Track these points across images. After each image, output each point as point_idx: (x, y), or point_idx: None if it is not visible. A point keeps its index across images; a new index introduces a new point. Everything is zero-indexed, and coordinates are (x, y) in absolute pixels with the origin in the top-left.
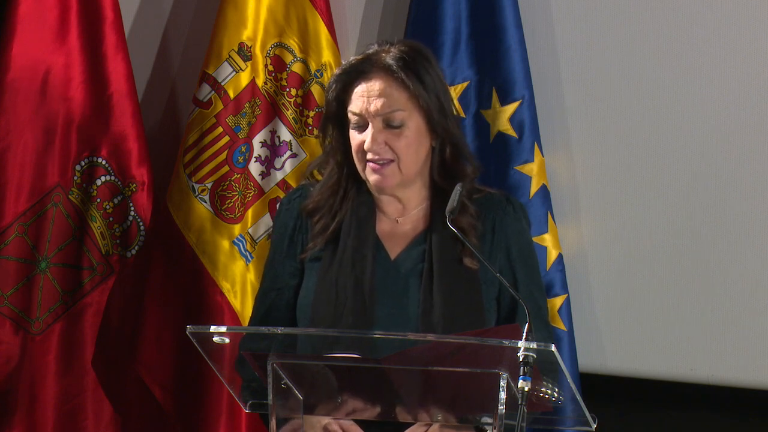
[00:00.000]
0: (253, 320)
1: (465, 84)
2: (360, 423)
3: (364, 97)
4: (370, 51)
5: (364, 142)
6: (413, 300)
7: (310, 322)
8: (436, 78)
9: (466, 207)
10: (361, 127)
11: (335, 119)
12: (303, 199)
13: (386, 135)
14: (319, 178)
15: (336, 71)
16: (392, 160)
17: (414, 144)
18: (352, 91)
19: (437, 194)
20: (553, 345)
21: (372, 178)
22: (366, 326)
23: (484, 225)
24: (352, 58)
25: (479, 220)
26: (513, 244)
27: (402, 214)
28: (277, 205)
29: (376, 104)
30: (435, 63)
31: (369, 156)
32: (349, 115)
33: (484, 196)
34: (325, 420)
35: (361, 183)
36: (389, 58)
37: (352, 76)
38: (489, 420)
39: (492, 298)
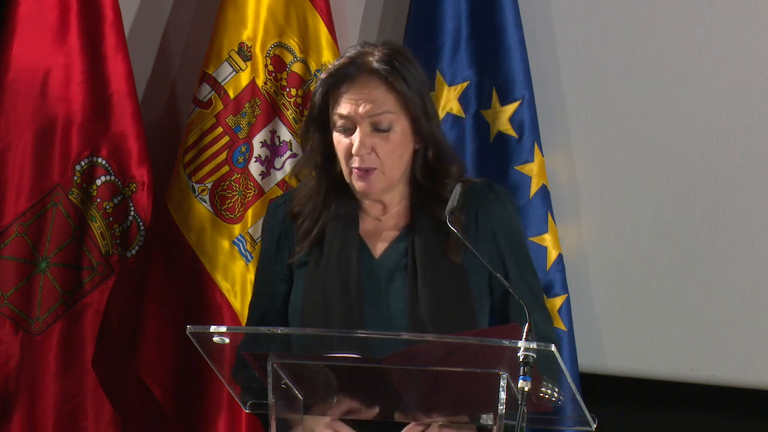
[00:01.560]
0: (248, 326)
1: (465, 84)
2: (359, 423)
3: (353, 99)
4: (353, 54)
5: (350, 145)
6: (400, 295)
7: (301, 327)
8: (420, 81)
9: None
10: (348, 131)
11: (318, 122)
12: (288, 204)
13: (374, 139)
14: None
15: (321, 75)
16: (376, 168)
17: (399, 149)
18: (338, 94)
19: (417, 190)
20: (553, 345)
21: (358, 184)
22: (356, 327)
23: (467, 216)
24: (336, 61)
25: (462, 212)
26: (499, 231)
27: (384, 213)
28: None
29: (366, 107)
30: (417, 65)
31: (355, 163)
32: (335, 118)
33: (467, 187)
34: (323, 423)
35: (342, 185)
36: (375, 62)
37: (338, 79)
38: (489, 420)
39: (483, 286)
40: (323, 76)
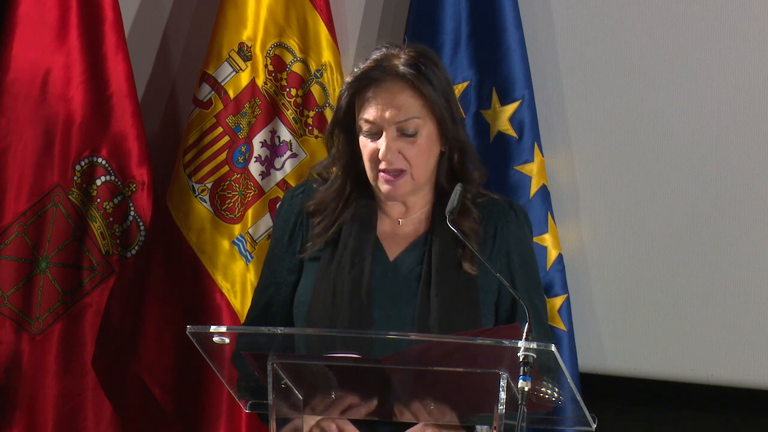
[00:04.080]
0: (251, 313)
1: (465, 84)
2: (358, 423)
3: (379, 104)
4: (379, 56)
5: (377, 150)
6: (410, 302)
7: (307, 324)
8: (446, 83)
9: (470, 211)
10: (374, 135)
11: (343, 125)
12: (305, 195)
13: (400, 143)
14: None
15: (347, 78)
16: (404, 170)
17: (426, 152)
18: (364, 98)
19: (440, 197)
20: (553, 345)
21: (384, 188)
22: (362, 328)
23: (486, 231)
24: (362, 64)
25: (481, 226)
26: (514, 251)
27: (405, 216)
28: (280, 200)
29: (391, 112)
30: (443, 67)
31: (382, 166)
32: (361, 122)
33: (487, 201)
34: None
35: (364, 187)
36: (402, 65)
37: (364, 83)
38: (482, 420)
39: (490, 303)
40: (349, 79)
